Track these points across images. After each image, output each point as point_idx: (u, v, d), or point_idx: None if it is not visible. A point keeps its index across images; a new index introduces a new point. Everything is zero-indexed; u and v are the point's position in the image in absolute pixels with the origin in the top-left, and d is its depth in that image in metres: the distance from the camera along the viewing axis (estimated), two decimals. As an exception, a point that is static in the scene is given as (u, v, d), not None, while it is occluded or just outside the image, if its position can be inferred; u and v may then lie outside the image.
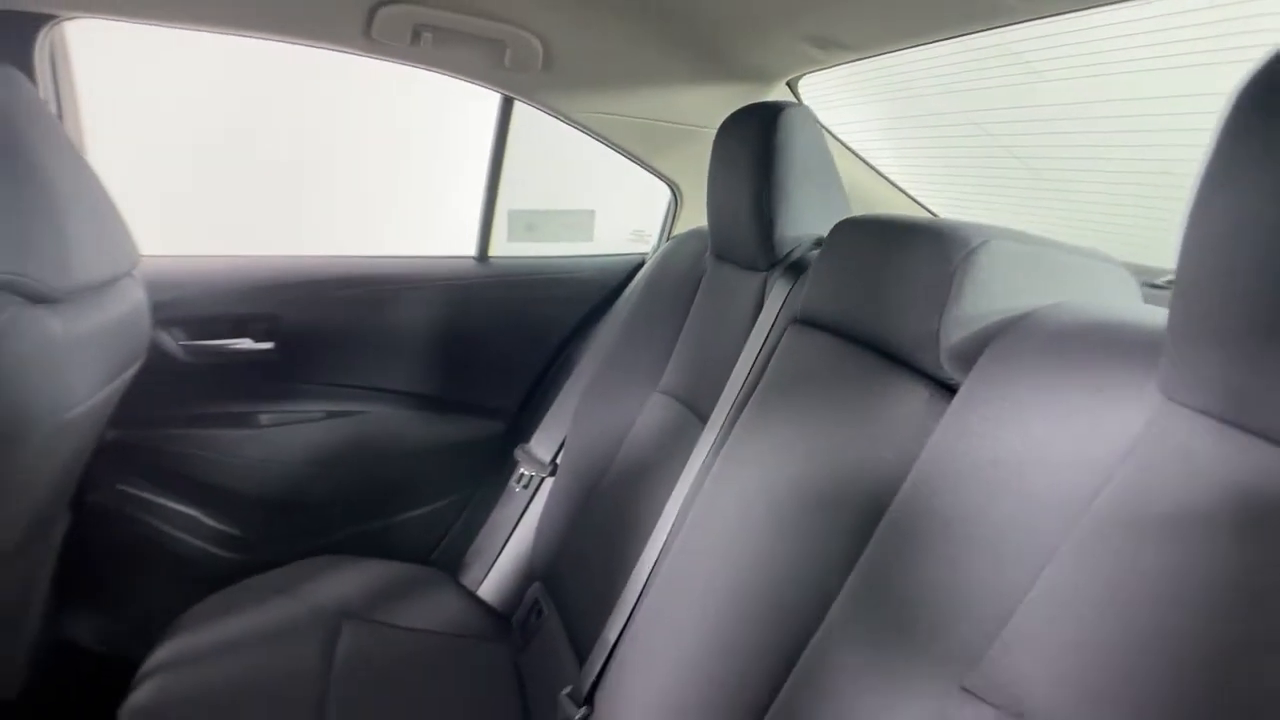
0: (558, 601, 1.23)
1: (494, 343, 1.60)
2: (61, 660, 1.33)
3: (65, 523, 1.23)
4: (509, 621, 1.33)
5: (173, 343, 1.38)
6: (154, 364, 1.23)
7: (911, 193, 1.54)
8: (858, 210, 0.97)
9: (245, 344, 1.44)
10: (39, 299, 0.88)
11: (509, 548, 1.44)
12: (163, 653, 1.07)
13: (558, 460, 1.41)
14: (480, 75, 1.41)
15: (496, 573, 1.43)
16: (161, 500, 1.43)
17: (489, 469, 1.60)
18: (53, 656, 1.29)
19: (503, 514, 1.49)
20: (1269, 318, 0.38)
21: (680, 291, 1.28)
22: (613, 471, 1.24)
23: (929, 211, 1.54)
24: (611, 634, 0.96)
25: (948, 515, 0.56)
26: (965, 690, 0.50)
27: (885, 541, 0.61)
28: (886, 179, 1.50)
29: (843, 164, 1.47)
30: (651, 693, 0.84)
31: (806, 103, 1.46)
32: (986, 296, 0.64)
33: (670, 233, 1.67)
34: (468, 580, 1.45)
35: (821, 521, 0.71)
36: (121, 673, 1.06)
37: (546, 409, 1.52)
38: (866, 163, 1.52)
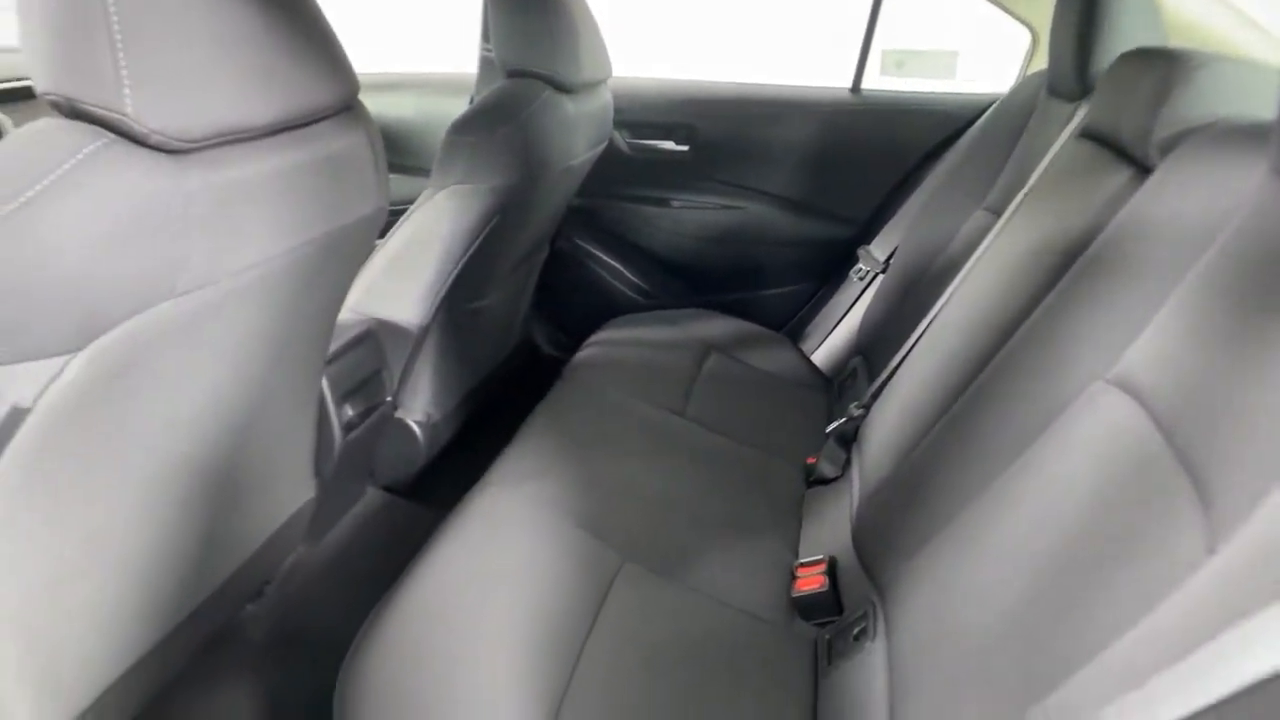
0: (870, 371, 1.54)
1: (855, 162, 1.88)
2: (523, 351, 1.95)
3: (544, 255, 1.83)
4: (831, 382, 1.69)
5: (621, 139, 1.90)
6: (607, 153, 1.71)
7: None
8: None
9: (668, 145, 1.91)
10: (561, 88, 1.38)
11: (841, 326, 1.79)
12: (585, 353, 1.57)
13: (890, 261, 1.71)
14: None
15: (828, 345, 1.80)
16: (598, 252, 2.01)
17: (835, 263, 1.92)
18: (520, 349, 1.91)
19: (840, 299, 1.83)
20: None
21: (1016, 125, 1.45)
22: (931, 272, 1.51)
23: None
24: (891, 365, 1.29)
25: (1114, 260, 0.79)
26: (1107, 382, 0.71)
27: (1070, 280, 0.85)
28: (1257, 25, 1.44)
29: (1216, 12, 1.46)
30: (899, 397, 1.18)
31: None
32: (1193, 104, 0.82)
33: (1025, 73, 1.76)
34: (805, 347, 1.83)
35: (1037, 272, 0.95)
36: (556, 366, 1.56)
37: (889, 219, 1.80)
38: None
